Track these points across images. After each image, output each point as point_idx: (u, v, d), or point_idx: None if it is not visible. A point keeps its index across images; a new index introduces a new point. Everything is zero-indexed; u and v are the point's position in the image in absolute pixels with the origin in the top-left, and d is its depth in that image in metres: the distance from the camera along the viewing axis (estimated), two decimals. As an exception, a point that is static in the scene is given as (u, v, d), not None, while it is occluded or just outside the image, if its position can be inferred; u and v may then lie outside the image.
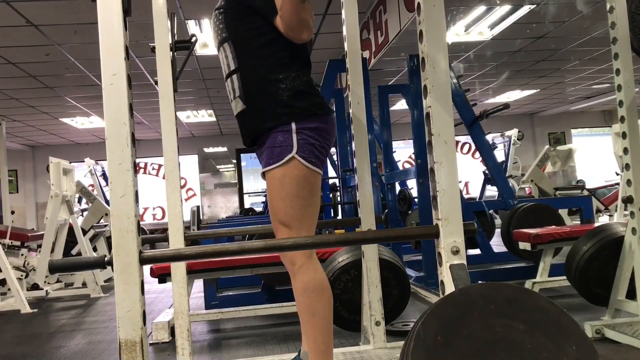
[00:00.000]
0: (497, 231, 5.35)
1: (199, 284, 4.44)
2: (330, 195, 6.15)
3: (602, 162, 11.03)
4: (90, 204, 6.71)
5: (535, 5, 5.36)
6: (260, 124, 1.71)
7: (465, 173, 11.59)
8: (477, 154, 9.90)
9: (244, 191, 12.74)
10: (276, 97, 1.69)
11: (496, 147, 8.63)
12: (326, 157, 1.79)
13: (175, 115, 2.37)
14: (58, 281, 5.84)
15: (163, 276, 3.27)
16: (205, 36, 5.59)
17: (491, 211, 5.56)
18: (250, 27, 1.74)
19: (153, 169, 12.75)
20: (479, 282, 2.20)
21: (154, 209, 12.52)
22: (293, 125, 1.67)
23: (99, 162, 9.07)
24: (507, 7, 5.39)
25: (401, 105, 9.37)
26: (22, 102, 7.88)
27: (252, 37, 1.73)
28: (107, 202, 7.06)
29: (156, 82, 2.32)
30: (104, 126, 1.32)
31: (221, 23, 1.78)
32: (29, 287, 5.18)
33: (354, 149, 2.39)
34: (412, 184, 6.14)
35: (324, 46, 6.21)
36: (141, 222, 4.01)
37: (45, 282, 5.38)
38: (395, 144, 6.07)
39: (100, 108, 4.59)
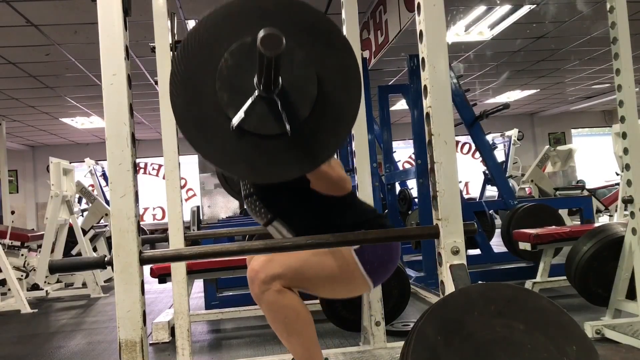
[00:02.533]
0: (497, 231, 5.35)
1: (199, 284, 4.44)
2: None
3: (602, 162, 11.03)
4: (90, 204, 6.71)
5: (535, 5, 5.36)
6: None
7: (465, 173, 11.59)
8: (477, 154, 9.90)
9: (244, 191, 12.72)
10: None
11: (496, 147, 8.62)
12: (386, 276, 1.72)
13: (175, 115, 2.37)
14: (58, 281, 5.84)
15: (163, 276, 3.27)
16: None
17: (491, 211, 5.55)
18: (290, 200, 1.72)
19: (153, 169, 12.74)
20: (479, 282, 2.20)
21: (154, 209, 12.52)
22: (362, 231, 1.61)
23: (99, 162, 9.06)
24: (507, 7, 5.38)
25: (401, 105, 9.37)
26: (22, 102, 7.88)
27: (296, 207, 1.72)
28: (107, 202, 7.06)
29: (156, 82, 2.32)
30: (104, 126, 1.32)
31: (262, 207, 1.77)
32: (29, 287, 5.18)
33: (354, 149, 2.39)
34: (412, 184, 6.14)
35: (324, 46, 6.20)
36: (141, 222, 4.01)
37: (45, 282, 5.38)
38: (395, 144, 6.07)
39: (100, 108, 4.59)
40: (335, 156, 1.72)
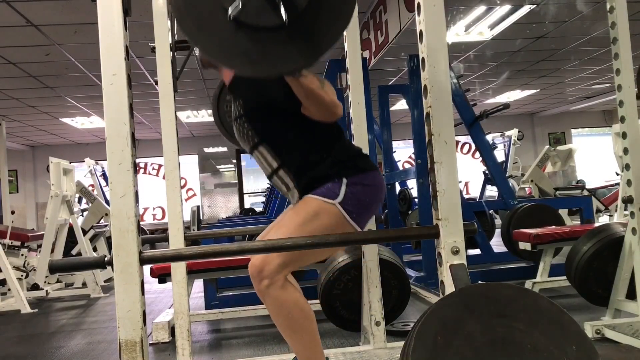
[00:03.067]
0: (497, 231, 5.34)
1: (199, 284, 4.44)
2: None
3: (602, 162, 11.03)
4: (90, 204, 6.71)
5: (535, 5, 5.36)
6: (315, 188, 1.68)
7: (465, 173, 11.59)
8: (477, 154, 9.90)
9: (244, 191, 12.74)
10: (327, 171, 1.67)
11: (496, 147, 8.63)
12: (372, 214, 1.73)
13: (175, 115, 2.37)
14: (58, 281, 5.84)
15: (163, 276, 3.27)
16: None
17: (491, 211, 5.55)
18: (279, 124, 1.73)
19: (153, 169, 12.74)
20: (479, 282, 2.20)
21: (154, 209, 12.52)
22: (344, 179, 1.65)
23: (99, 162, 9.06)
24: (507, 7, 5.38)
25: (401, 105, 9.37)
26: (22, 102, 7.88)
27: (284, 132, 1.72)
28: (107, 202, 7.06)
29: (156, 82, 2.32)
30: (104, 126, 1.32)
31: (249, 130, 1.76)
32: (29, 287, 5.18)
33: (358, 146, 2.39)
34: (412, 184, 6.14)
35: (324, 46, 6.20)
36: (141, 222, 4.01)
37: (45, 282, 5.38)
38: (395, 144, 6.06)
39: (100, 108, 4.59)
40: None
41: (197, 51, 2.03)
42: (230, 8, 1.19)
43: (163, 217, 12.27)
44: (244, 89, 1.79)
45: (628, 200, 2.60)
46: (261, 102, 1.75)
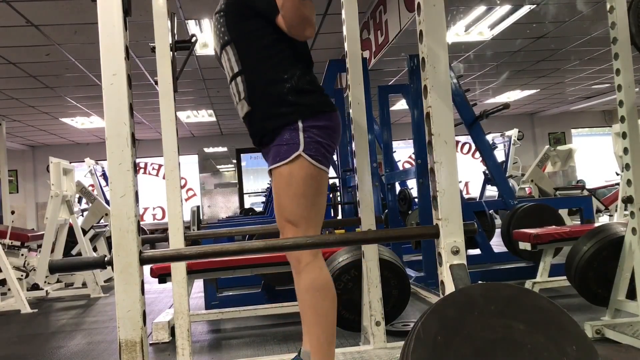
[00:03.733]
0: (497, 231, 5.35)
1: (199, 284, 4.44)
2: (331, 195, 6.15)
3: (602, 162, 11.03)
4: (90, 204, 6.71)
5: (535, 5, 5.36)
6: (267, 123, 1.72)
7: (465, 173, 11.60)
8: (477, 154, 9.90)
9: (244, 191, 12.74)
10: (281, 97, 1.69)
11: (496, 147, 8.63)
12: (332, 155, 1.79)
13: (175, 115, 2.37)
14: (58, 281, 5.84)
15: (163, 276, 3.27)
16: (205, 36, 5.59)
17: (491, 211, 5.56)
18: (252, 28, 1.73)
19: (153, 169, 12.75)
20: (479, 282, 2.20)
21: (154, 209, 12.52)
22: (300, 124, 1.67)
23: (99, 162, 9.07)
24: (507, 7, 5.38)
25: (401, 105, 9.37)
26: (22, 102, 7.88)
27: (255, 38, 1.73)
28: (107, 202, 7.06)
29: (156, 82, 2.32)
30: (104, 126, 1.32)
31: (222, 26, 1.77)
32: (29, 287, 5.18)
33: (354, 149, 2.39)
34: (412, 184, 6.14)
35: (324, 46, 6.21)
36: (141, 222, 4.01)
37: (45, 282, 5.38)
38: (395, 144, 6.07)
39: (100, 108, 4.60)
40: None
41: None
42: None
43: (163, 217, 12.27)
44: None
45: (628, 200, 2.60)
46: (243, 1, 1.75)
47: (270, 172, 1.75)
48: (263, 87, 1.72)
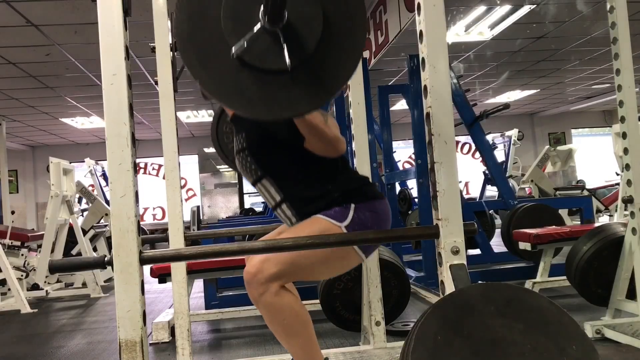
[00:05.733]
0: (497, 231, 5.35)
1: (199, 284, 4.44)
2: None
3: (602, 162, 11.03)
4: (90, 204, 6.71)
5: (535, 5, 5.36)
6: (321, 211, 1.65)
7: (465, 173, 11.59)
8: (477, 154, 9.90)
9: (244, 191, 12.74)
10: (333, 201, 1.65)
11: (496, 147, 8.62)
12: (377, 245, 1.71)
13: (175, 115, 2.37)
14: (58, 281, 5.84)
15: (163, 276, 3.27)
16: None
17: (491, 211, 5.56)
18: (282, 158, 1.70)
19: (153, 169, 12.74)
20: (479, 282, 2.20)
21: (154, 209, 12.52)
22: (352, 205, 1.62)
23: (99, 162, 9.06)
24: (507, 7, 5.38)
25: (401, 105, 9.37)
26: (22, 102, 7.88)
27: (287, 167, 1.70)
28: (107, 202, 7.06)
29: (156, 82, 2.32)
30: (104, 126, 1.32)
31: (252, 164, 1.74)
32: (29, 287, 5.18)
33: (354, 149, 2.39)
34: (412, 184, 6.14)
35: (324, 46, 6.20)
36: (141, 222, 4.01)
37: (45, 282, 5.38)
38: (395, 144, 6.06)
39: (100, 108, 4.59)
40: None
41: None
42: (234, 47, 1.17)
43: (163, 217, 12.26)
44: (246, 122, 1.76)
45: (628, 201, 2.60)
46: (264, 136, 1.72)
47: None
48: (311, 206, 1.66)
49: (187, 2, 1.20)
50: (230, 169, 12.82)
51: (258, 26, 1.18)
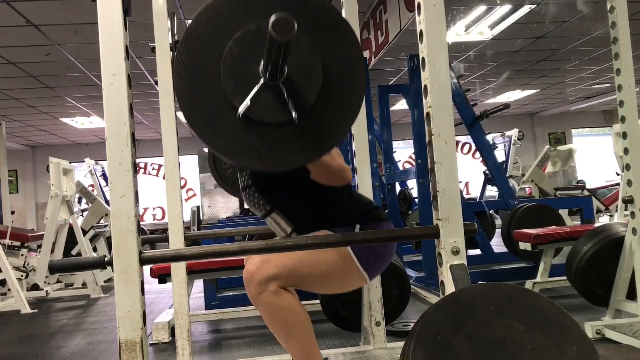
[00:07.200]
0: (498, 231, 5.34)
1: (199, 284, 4.44)
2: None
3: (602, 162, 11.03)
4: (90, 204, 6.71)
5: (535, 5, 5.36)
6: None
7: (465, 173, 11.59)
8: (477, 154, 9.90)
9: (244, 191, 12.73)
10: (340, 223, 1.66)
11: (496, 147, 8.62)
12: (382, 267, 1.71)
13: (175, 115, 2.37)
14: (58, 281, 5.84)
15: (163, 276, 3.27)
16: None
17: (491, 211, 5.55)
18: (289, 191, 1.71)
19: (153, 169, 12.74)
20: (479, 282, 2.20)
21: (154, 209, 12.52)
22: (358, 225, 1.64)
23: (99, 162, 9.06)
24: (507, 7, 5.38)
25: (401, 105, 9.37)
26: (22, 102, 7.88)
27: (295, 199, 1.71)
28: (107, 202, 7.06)
29: (156, 82, 2.32)
30: (104, 126, 1.32)
31: (260, 199, 1.74)
32: (29, 287, 5.18)
33: (354, 149, 2.39)
34: (412, 184, 6.14)
35: (324, 46, 6.20)
36: (141, 222, 4.01)
37: (45, 282, 5.38)
38: (395, 144, 6.06)
39: (100, 108, 4.59)
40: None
41: None
42: (240, 107, 1.19)
43: (163, 217, 12.26)
44: None
45: (628, 201, 2.60)
46: (269, 171, 1.72)
47: None
48: (322, 228, 1.67)
49: (186, 70, 1.22)
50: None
51: (260, 82, 1.20)
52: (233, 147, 1.23)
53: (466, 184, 12.08)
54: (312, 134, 1.24)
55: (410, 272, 4.48)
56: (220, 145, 1.23)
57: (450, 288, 1.35)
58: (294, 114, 1.20)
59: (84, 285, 5.55)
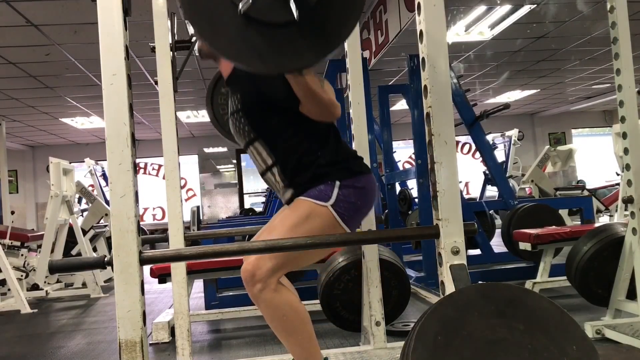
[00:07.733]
0: (498, 231, 5.34)
1: (199, 284, 4.44)
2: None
3: (602, 162, 11.03)
4: (90, 204, 6.71)
5: (535, 5, 5.36)
6: (307, 186, 1.68)
7: (465, 173, 11.59)
8: (477, 154, 9.90)
9: (244, 191, 12.74)
10: (319, 172, 1.67)
11: (496, 147, 8.62)
12: (363, 217, 1.74)
13: (175, 115, 2.37)
14: (58, 281, 5.84)
15: (163, 276, 3.27)
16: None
17: (491, 211, 5.55)
18: (276, 121, 1.71)
19: (153, 169, 12.74)
20: (479, 282, 2.20)
21: (154, 209, 12.51)
22: (337, 182, 1.65)
23: (99, 162, 9.06)
24: (507, 7, 5.38)
25: (401, 105, 9.37)
26: (22, 102, 7.88)
27: (281, 130, 1.71)
28: (107, 202, 7.06)
29: (156, 82, 2.32)
30: (104, 126, 1.32)
31: (245, 125, 1.75)
32: (29, 287, 5.18)
33: (354, 148, 2.39)
34: (412, 184, 6.14)
35: (324, 46, 6.20)
36: (141, 222, 4.01)
37: (45, 282, 5.38)
38: (395, 144, 6.06)
39: (100, 108, 4.59)
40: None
41: (196, 49, 2.01)
42: (240, 3, 1.18)
43: (163, 217, 12.26)
44: (243, 83, 1.77)
45: (628, 201, 2.60)
46: (260, 97, 1.74)
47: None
48: (300, 171, 1.69)
49: None
50: (230, 169, 12.83)
51: None
52: (235, 47, 1.21)
53: (466, 184, 12.08)
54: (314, 35, 1.23)
55: (410, 272, 4.48)
56: (222, 46, 1.22)
57: (450, 288, 1.35)
58: (295, 13, 1.18)
59: (84, 285, 5.55)
